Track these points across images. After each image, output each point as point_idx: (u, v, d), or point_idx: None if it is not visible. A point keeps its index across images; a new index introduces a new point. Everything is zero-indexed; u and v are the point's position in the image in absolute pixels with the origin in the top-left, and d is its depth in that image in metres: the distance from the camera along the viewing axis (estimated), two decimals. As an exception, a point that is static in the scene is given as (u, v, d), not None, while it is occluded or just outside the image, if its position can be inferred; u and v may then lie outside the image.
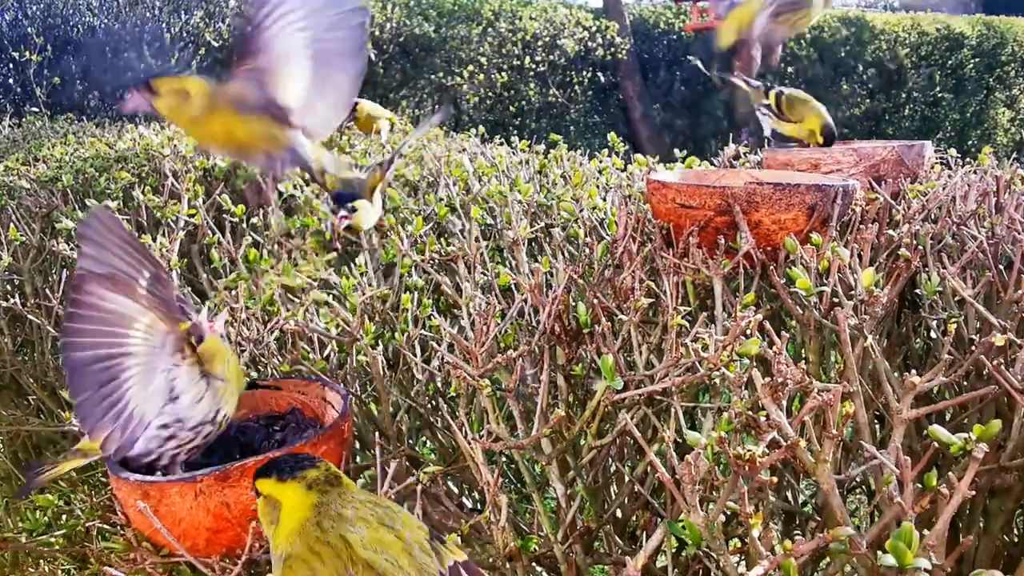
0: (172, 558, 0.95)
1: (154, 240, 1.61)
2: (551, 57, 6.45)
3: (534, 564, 1.07)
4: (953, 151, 1.92)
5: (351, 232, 1.58)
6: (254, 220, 1.84)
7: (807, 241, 1.17)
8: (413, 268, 1.51)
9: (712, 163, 2.10)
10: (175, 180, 1.99)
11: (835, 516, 0.81)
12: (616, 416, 1.07)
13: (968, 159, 1.93)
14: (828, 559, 0.88)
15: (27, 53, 4.89)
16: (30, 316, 1.67)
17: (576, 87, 6.69)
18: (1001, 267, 1.23)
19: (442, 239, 1.67)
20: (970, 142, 8.13)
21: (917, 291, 1.20)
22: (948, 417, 1.23)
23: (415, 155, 2.40)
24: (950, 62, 8.17)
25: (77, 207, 1.93)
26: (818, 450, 0.79)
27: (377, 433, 1.13)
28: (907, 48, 8.00)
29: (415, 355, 1.32)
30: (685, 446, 0.80)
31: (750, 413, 0.83)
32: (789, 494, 1.24)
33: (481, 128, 2.90)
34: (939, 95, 8.18)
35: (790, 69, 7.64)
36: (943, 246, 1.34)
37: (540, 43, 6.36)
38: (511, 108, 6.39)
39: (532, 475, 1.10)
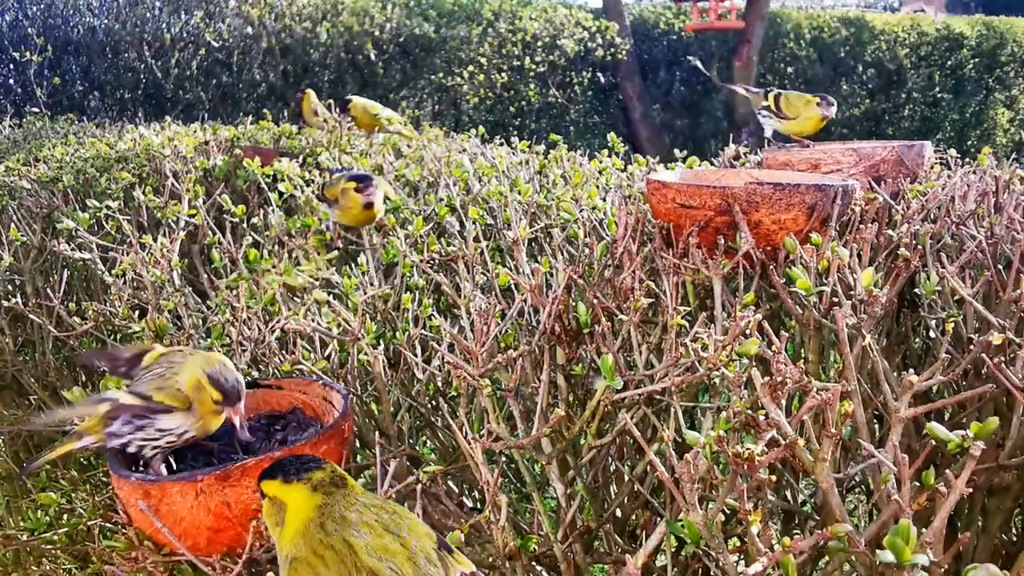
0: (173, 557, 0.95)
1: (155, 240, 1.61)
2: (551, 57, 6.45)
3: (534, 563, 1.07)
4: (952, 151, 1.93)
5: (360, 225, 1.60)
6: (254, 220, 1.84)
7: (807, 241, 1.17)
8: (413, 268, 1.51)
9: (712, 163, 2.11)
10: (176, 180, 1.99)
11: (834, 514, 0.82)
12: (616, 416, 1.07)
13: (967, 159, 1.93)
14: (827, 557, 0.89)
15: (28, 53, 4.89)
16: (31, 316, 1.67)
17: (576, 87, 6.69)
18: (1000, 267, 1.23)
19: (442, 239, 1.67)
20: (969, 142, 8.14)
21: (916, 290, 1.21)
22: (947, 416, 1.24)
23: (415, 155, 2.40)
24: (950, 62, 8.17)
25: (78, 207, 1.93)
26: (817, 449, 0.79)
27: (378, 432, 1.14)
28: (907, 48, 8.00)
29: (416, 355, 1.33)
30: (684, 445, 0.80)
31: (749, 412, 0.84)
32: (788, 493, 1.25)
33: (481, 128, 2.90)
34: (939, 95, 8.18)
35: (790, 69, 7.65)
36: (942, 246, 1.35)
37: (540, 43, 6.37)
38: (511, 108, 6.39)
39: (532, 474, 1.11)
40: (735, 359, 0.92)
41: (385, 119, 2.74)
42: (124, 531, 0.99)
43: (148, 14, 5.34)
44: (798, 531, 1.26)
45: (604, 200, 1.71)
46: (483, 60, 6.09)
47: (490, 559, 1.05)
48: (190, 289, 1.55)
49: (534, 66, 6.31)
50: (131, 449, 0.99)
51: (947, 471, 0.74)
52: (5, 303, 1.64)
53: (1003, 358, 0.96)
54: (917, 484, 0.75)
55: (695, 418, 1.25)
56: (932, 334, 1.25)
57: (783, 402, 0.82)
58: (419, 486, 0.98)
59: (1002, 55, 8.42)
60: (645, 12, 7.62)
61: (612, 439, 1.04)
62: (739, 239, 1.19)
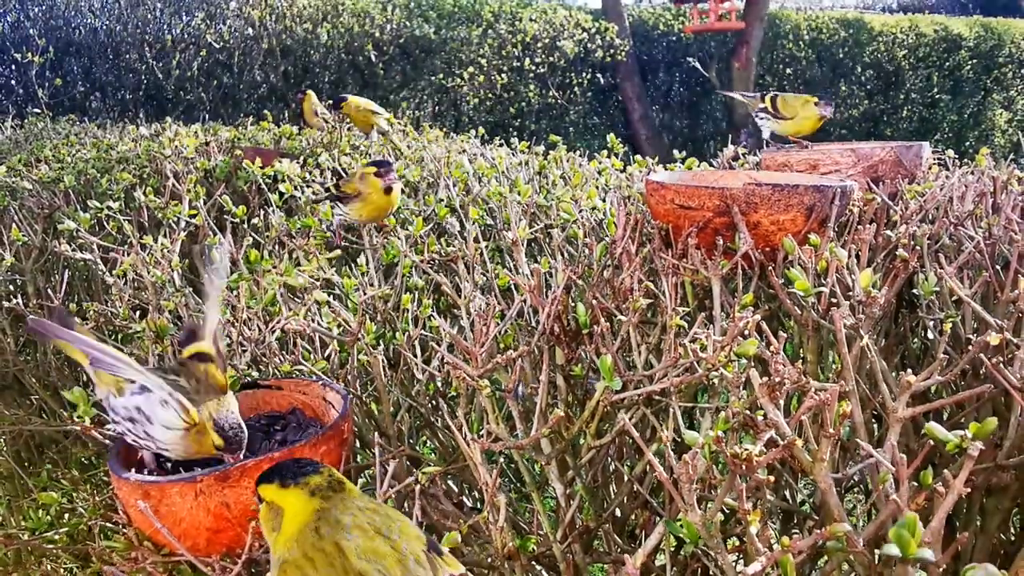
0: (173, 557, 0.95)
1: (155, 241, 1.61)
2: (551, 59, 6.46)
3: (533, 563, 1.07)
4: (950, 152, 1.93)
5: (377, 217, 1.63)
6: (255, 221, 1.84)
7: (805, 242, 1.18)
8: (413, 268, 1.52)
9: (711, 164, 2.11)
10: (176, 181, 2.00)
11: (832, 514, 0.82)
12: (615, 416, 1.08)
13: (965, 160, 1.94)
14: (825, 556, 0.89)
15: (29, 54, 4.90)
16: (33, 316, 1.67)
17: (575, 88, 6.70)
18: (998, 267, 1.24)
19: (442, 240, 1.68)
20: (967, 143, 8.15)
21: (914, 291, 1.21)
22: (945, 417, 1.24)
23: (415, 156, 2.41)
24: (948, 63, 8.18)
25: (79, 208, 1.93)
26: (815, 449, 0.80)
27: (377, 433, 1.14)
28: (905, 50, 8.01)
29: (415, 355, 1.33)
30: (683, 446, 0.80)
31: (748, 412, 0.84)
32: (787, 493, 1.25)
33: (481, 129, 2.91)
34: (937, 96, 8.19)
35: (788, 70, 7.65)
36: (940, 246, 1.35)
37: (540, 45, 6.37)
38: (511, 109, 6.39)
39: (531, 475, 1.11)
40: (734, 359, 0.92)
41: (385, 119, 2.75)
42: (124, 531, 0.99)
43: (149, 15, 5.35)
44: (797, 531, 1.27)
45: (603, 201, 1.71)
46: (483, 61, 6.09)
47: (489, 559, 1.05)
48: (191, 289, 1.55)
49: (534, 67, 6.32)
50: (128, 439, 1.00)
51: (945, 471, 0.74)
52: (6, 303, 1.64)
53: (1001, 358, 0.97)
54: (915, 484, 0.75)
55: (694, 418, 1.26)
56: (930, 334, 1.25)
57: (781, 402, 0.82)
58: (418, 486, 0.98)
59: (1000, 56, 8.43)
60: (644, 13, 7.62)
61: (611, 439, 1.04)
62: (738, 240, 1.19)
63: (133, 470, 1.01)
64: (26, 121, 4.05)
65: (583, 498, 1.09)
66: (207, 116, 5.30)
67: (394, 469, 1.01)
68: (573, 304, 1.11)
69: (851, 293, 1.07)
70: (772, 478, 0.75)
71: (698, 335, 0.96)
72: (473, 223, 1.64)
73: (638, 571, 0.70)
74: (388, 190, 1.58)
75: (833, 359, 1.30)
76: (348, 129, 2.72)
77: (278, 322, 1.31)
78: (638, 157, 2.12)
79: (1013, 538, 1.25)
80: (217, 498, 0.91)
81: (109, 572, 0.92)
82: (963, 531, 1.14)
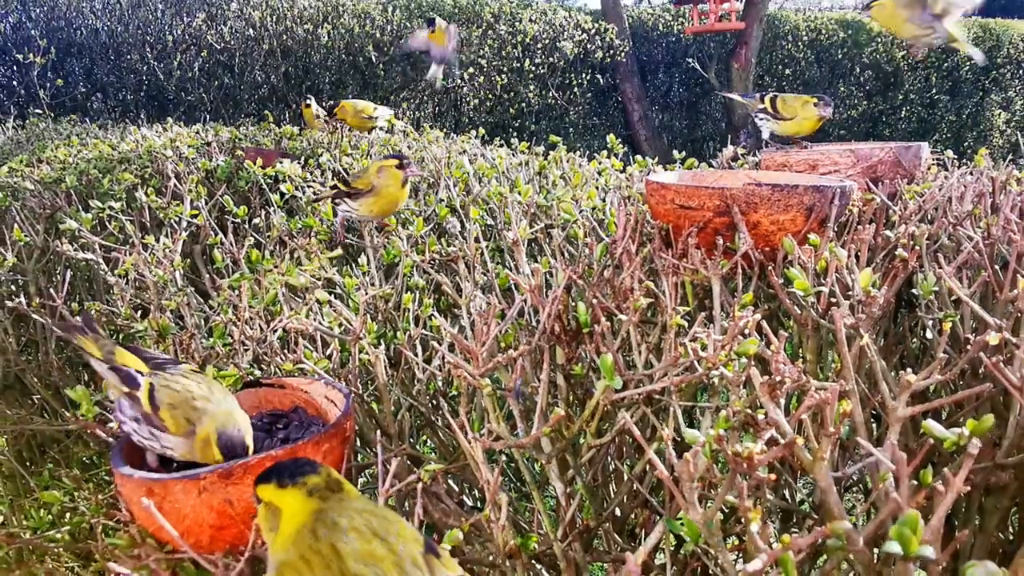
0: (176, 555, 0.95)
1: (157, 241, 1.62)
2: (550, 59, 6.46)
3: (534, 562, 1.08)
4: (949, 152, 1.94)
5: (385, 213, 1.65)
6: (256, 220, 1.85)
7: (805, 242, 1.18)
8: (414, 268, 1.52)
9: (711, 164, 2.12)
10: (178, 181, 2.00)
11: (832, 513, 0.82)
12: (615, 415, 1.08)
13: (964, 160, 1.94)
14: (825, 555, 0.89)
15: (31, 55, 4.91)
16: (34, 316, 1.68)
17: (575, 89, 6.70)
18: (997, 267, 1.24)
19: (443, 240, 1.68)
20: (966, 144, 8.15)
21: (914, 291, 1.21)
22: (944, 416, 1.24)
23: (416, 156, 2.41)
24: (946, 64, 8.18)
25: (81, 208, 1.94)
26: (815, 448, 0.80)
27: (379, 431, 1.14)
28: (904, 51, 8.01)
29: (416, 354, 1.33)
30: (684, 444, 0.81)
31: (748, 411, 0.84)
32: (787, 492, 1.25)
33: (481, 130, 2.91)
34: (935, 97, 8.19)
35: (787, 71, 7.66)
36: (939, 246, 1.36)
37: (539, 45, 6.38)
38: (511, 110, 6.40)
39: (532, 474, 1.11)
40: (734, 359, 0.93)
41: (386, 119, 2.76)
42: (127, 529, 0.99)
43: (150, 16, 5.35)
44: (797, 529, 1.27)
45: (603, 201, 1.72)
46: (483, 62, 6.09)
47: (490, 557, 1.06)
48: (192, 289, 1.55)
49: (534, 68, 6.32)
50: (135, 439, 1.01)
51: (945, 470, 0.74)
52: (9, 303, 1.65)
53: (1000, 357, 0.97)
54: (915, 483, 0.75)
55: (694, 417, 1.26)
56: (929, 334, 1.26)
57: (781, 401, 0.83)
58: (420, 485, 0.99)
59: (998, 57, 8.43)
60: (644, 14, 7.63)
61: (611, 438, 1.05)
62: (737, 240, 1.20)
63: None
64: (28, 122, 4.06)
65: (583, 497, 1.10)
66: (208, 117, 5.31)
67: (395, 468, 1.02)
68: (574, 304, 1.11)
69: (851, 293, 1.07)
70: (772, 477, 0.76)
71: (698, 334, 0.96)
72: (473, 223, 1.65)
73: (639, 569, 0.71)
74: (406, 182, 1.63)
75: (833, 358, 1.30)
76: (349, 130, 2.73)
77: (280, 321, 1.31)
78: (638, 157, 2.12)
79: (1012, 537, 1.25)
80: (220, 495, 0.92)
81: (112, 570, 0.93)
82: (962, 530, 1.14)
